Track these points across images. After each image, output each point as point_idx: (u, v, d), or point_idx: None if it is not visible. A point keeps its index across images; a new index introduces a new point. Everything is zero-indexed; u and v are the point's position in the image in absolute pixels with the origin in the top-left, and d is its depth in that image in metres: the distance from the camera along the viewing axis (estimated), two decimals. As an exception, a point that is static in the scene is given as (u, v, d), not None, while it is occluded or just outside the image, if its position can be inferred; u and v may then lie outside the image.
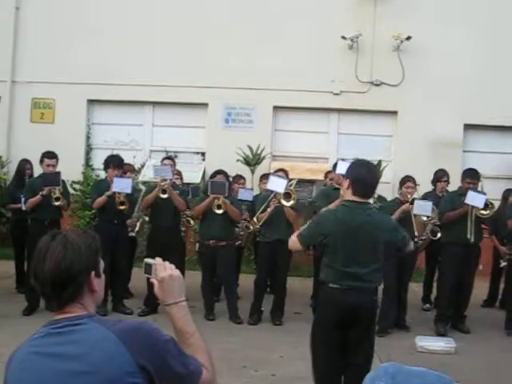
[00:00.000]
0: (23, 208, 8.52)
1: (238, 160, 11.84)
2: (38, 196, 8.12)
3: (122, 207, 8.13)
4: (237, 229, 8.91)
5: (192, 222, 9.10)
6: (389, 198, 8.72)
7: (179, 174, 9.30)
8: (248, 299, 8.41)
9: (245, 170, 11.47)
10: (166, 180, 8.06)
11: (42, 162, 8.33)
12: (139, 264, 7.90)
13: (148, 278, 2.26)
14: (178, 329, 2.16)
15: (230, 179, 9.06)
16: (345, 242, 4.45)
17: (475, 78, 12.24)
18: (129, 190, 8.16)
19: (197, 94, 12.65)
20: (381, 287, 8.02)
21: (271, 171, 9.59)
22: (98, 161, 10.04)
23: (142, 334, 1.94)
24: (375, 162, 5.26)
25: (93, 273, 2.03)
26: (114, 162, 8.36)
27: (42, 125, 13.11)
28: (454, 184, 9.02)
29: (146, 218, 8.98)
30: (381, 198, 8.00)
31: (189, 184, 10.38)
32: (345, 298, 4.44)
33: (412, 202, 7.93)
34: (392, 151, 12.67)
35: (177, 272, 2.23)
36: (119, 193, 8.08)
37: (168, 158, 9.06)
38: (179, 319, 2.16)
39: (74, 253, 1.98)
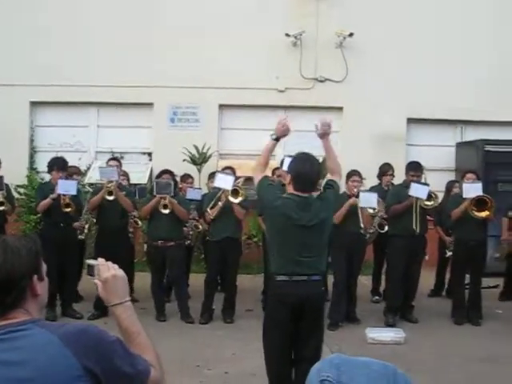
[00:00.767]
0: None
1: (184, 160, 11.78)
2: (-19, 202, 7.95)
3: (67, 209, 8.00)
4: (185, 228, 8.87)
5: (140, 222, 9.04)
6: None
7: (126, 174, 9.22)
8: (199, 298, 8.39)
9: (193, 170, 11.43)
10: (111, 181, 7.98)
11: (-17, 166, 8.15)
12: (87, 267, 7.80)
13: None
14: (124, 329, 2.14)
15: (177, 179, 9.03)
16: (288, 232, 4.50)
17: (417, 73, 12.45)
18: (74, 192, 8.04)
19: (141, 93, 12.54)
20: (331, 281, 8.18)
21: (219, 170, 9.59)
22: (43, 164, 9.85)
23: (87, 337, 1.92)
24: (322, 159, 5.29)
25: (35, 276, 1.99)
26: (58, 165, 8.22)
27: (-17, 128, 12.79)
28: (399, 177, 9.18)
29: (95, 220, 8.87)
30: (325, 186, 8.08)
31: (136, 185, 10.29)
32: (293, 291, 4.49)
33: (358, 196, 8.04)
34: (338, 146, 12.80)
35: (120, 272, 2.20)
36: (64, 195, 7.96)
37: (113, 158, 8.97)
38: (125, 319, 2.14)
39: (14, 256, 1.94)
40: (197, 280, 9.10)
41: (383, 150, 11.92)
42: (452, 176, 12.05)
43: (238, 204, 8.05)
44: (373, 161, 10.36)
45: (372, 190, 9.01)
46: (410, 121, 12.85)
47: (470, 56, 12.49)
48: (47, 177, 9.28)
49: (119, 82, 12.43)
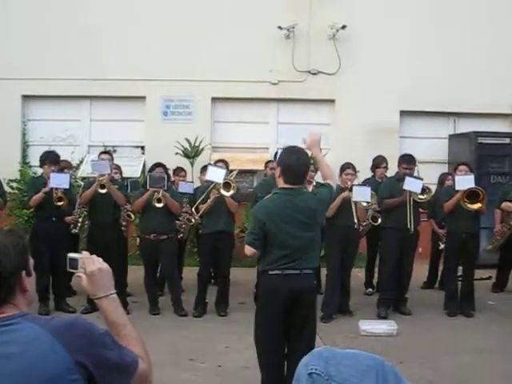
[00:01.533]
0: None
1: (176, 153, 11.76)
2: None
3: (60, 203, 7.97)
4: (178, 222, 8.87)
5: (133, 216, 9.01)
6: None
7: (118, 168, 9.18)
8: (192, 292, 8.40)
9: (186, 163, 11.41)
10: (103, 175, 7.95)
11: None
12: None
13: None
14: (111, 321, 2.15)
15: (170, 172, 9.00)
16: (280, 228, 4.49)
17: (410, 65, 12.47)
18: (66, 186, 8.01)
19: (134, 86, 12.50)
20: (324, 274, 8.19)
21: (211, 163, 9.57)
22: (35, 158, 9.80)
23: (76, 330, 1.92)
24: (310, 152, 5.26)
25: (23, 272, 1.99)
26: (50, 158, 8.18)
27: (-26, 123, 12.74)
28: (392, 169, 9.18)
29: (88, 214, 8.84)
30: (320, 185, 8.07)
31: (128, 178, 10.26)
32: (285, 284, 4.49)
33: (351, 189, 8.03)
34: (331, 139, 12.80)
35: (105, 265, 2.22)
36: (57, 188, 7.93)
37: (105, 152, 8.92)
38: (111, 312, 2.16)
39: (2, 253, 1.93)
40: (190, 273, 9.10)
41: (376, 143, 11.92)
42: (445, 168, 12.09)
43: (230, 197, 8.04)
44: (366, 153, 10.37)
45: (365, 182, 9.02)
46: (403, 113, 12.85)
47: (462, 48, 12.50)
48: (39, 171, 9.24)
49: (112, 75, 12.39)
